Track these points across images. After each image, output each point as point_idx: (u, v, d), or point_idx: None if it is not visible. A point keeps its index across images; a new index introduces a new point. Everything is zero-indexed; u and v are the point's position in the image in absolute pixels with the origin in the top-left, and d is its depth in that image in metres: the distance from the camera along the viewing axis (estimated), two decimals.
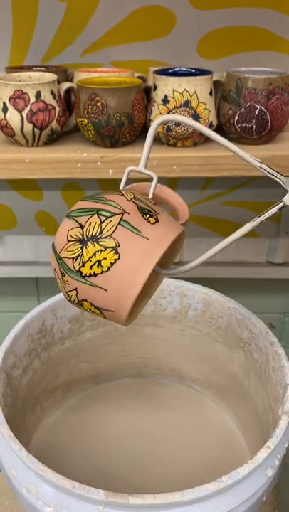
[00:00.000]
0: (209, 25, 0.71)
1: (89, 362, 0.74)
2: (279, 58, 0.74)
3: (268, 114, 0.61)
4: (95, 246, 0.40)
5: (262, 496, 0.46)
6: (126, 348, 0.74)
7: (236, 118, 0.63)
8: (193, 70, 0.65)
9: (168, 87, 0.61)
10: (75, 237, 0.41)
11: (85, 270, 0.40)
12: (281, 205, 0.47)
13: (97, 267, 0.40)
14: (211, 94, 0.62)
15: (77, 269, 0.41)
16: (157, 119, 0.44)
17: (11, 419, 0.52)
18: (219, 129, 0.66)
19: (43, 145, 0.65)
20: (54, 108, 0.62)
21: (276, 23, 0.71)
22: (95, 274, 0.40)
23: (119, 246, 0.40)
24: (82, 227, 0.40)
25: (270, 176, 0.45)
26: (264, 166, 0.45)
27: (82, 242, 0.40)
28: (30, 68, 0.71)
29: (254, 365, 0.63)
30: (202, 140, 0.66)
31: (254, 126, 0.62)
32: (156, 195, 0.48)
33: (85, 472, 0.63)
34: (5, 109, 0.61)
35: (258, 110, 0.61)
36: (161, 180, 0.84)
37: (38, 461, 0.44)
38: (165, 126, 0.62)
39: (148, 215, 0.41)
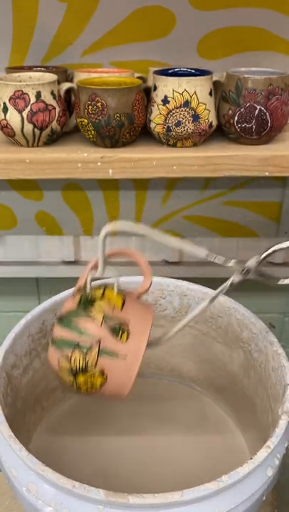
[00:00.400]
0: (209, 25, 0.71)
1: None
2: (279, 58, 0.74)
3: (267, 114, 0.61)
4: (85, 375, 0.49)
5: (262, 496, 0.46)
6: None
7: (236, 118, 0.63)
8: (193, 71, 0.65)
9: (168, 87, 0.61)
10: (66, 368, 0.49)
11: (82, 390, 0.50)
12: (231, 281, 0.55)
13: (91, 388, 0.50)
14: (210, 94, 0.62)
15: (74, 389, 0.50)
16: (105, 227, 0.50)
17: (11, 418, 0.53)
18: (219, 130, 0.67)
19: (43, 145, 0.65)
20: (54, 108, 0.62)
21: (276, 24, 0.71)
22: (90, 392, 0.50)
23: (104, 369, 0.48)
24: (69, 360, 0.48)
25: (215, 260, 0.53)
26: (211, 256, 0.52)
27: (73, 373, 0.49)
28: (30, 68, 0.71)
29: (254, 365, 0.63)
30: (202, 140, 0.66)
31: (254, 127, 0.62)
32: (126, 254, 0.56)
33: (85, 472, 0.63)
34: (5, 110, 0.61)
35: (257, 110, 0.61)
36: (162, 180, 0.84)
37: (38, 460, 0.44)
38: (165, 127, 0.62)
39: (120, 333, 0.49)
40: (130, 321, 0.50)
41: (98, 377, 0.49)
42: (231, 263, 0.49)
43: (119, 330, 0.49)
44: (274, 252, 0.53)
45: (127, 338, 0.49)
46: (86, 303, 0.50)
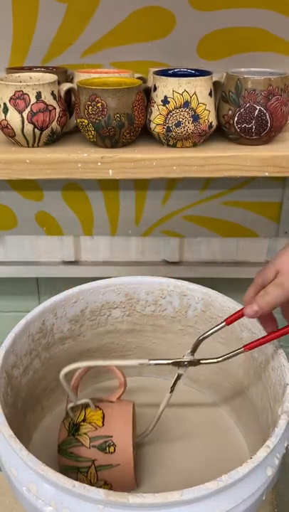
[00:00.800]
0: (209, 26, 0.72)
1: None
2: (279, 59, 0.74)
3: (267, 114, 0.61)
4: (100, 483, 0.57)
5: (261, 495, 0.46)
6: (126, 348, 0.75)
7: (236, 118, 0.63)
8: (193, 71, 0.65)
9: (168, 87, 0.61)
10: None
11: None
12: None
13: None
14: (210, 94, 0.62)
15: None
16: (64, 370, 0.57)
17: (11, 418, 0.53)
18: (219, 130, 0.67)
19: (43, 145, 0.65)
20: (54, 109, 0.62)
21: (276, 24, 0.71)
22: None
23: (106, 480, 0.56)
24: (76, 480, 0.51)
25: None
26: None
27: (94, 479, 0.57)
28: (30, 69, 0.72)
29: (254, 365, 0.63)
30: (202, 141, 0.66)
31: (254, 127, 0.63)
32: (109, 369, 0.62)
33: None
34: (5, 110, 0.61)
35: (257, 111, 0.61)
36: (162, 180, 0.84)
37: (38, 460, 0.44)
38: (165, 127, 0.62)
39: (107, 447, 0.56)
40: (113, 433, 0.57)
41: (104, 487, 0.56)
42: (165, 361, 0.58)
43: (105, 446, 0.56)
44: (202, 340, 0.58)
45: (114, 450, 0.56)
46: (73, 429, 0.58)
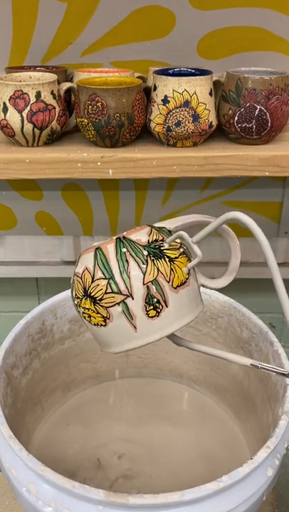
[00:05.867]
0: (209, 25, 0.71)
1: (89, 362, 0.74)
2: (279, 58, 0.74)
3: (267, 114, 0.61)
4: (91, 305, 0.44)
5: (262, 496, 0.46)
6: None
7: (236, 118, 0.63)
8: (193, 70, 0.65)
9: (168, 87, 0.61)
10: (84, 282, 0.45)
11: (77, 308, 0.46)
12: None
13: (88, 317, 0.45)
14: (210, 94, 0.62)
15: (73, 302, 0.47)
16: None
17: (11, 419, 0.53)
18: (219, 130, 0.67)
19: (43, 145, 0.65)
20: (54, 108, 0.62)
21: (276, 24, 0.71)
22: (81, 317, 0.46)
23: (108, 318, 0.44)
24: (91, 279, 0.44)
25: (270, 371, 0.46)
26: (262, 365, 0.45)
27: (86, 293, 0.45)
28: (30, 68, 0.71)
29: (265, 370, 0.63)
30: (202, 140, 0.66)
31: (254, 127, 0.62)
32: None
33: (85, 472, 0.63)
34: (5, 110, 0.61)
35: (257, 110, 0.61)
36: (162, 180, 0.84)
37: (38, 461, 0.44)
38: (165, 127, 0.62)
39: (151, 307, 0.43)
40: (169, 307, 0.44)
41: (99, 318, 0.44)
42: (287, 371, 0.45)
43: (153, 304, 0.43)
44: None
45: (152, 317, 0.43)
46: (155, 250, 0.44)
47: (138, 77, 0.67)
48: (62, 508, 0.43)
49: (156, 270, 0.43)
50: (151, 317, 0.43)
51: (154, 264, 0.43)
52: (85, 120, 0.62)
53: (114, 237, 0.45)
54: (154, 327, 0.44)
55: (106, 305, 0.43)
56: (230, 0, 0.70)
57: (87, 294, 0.44)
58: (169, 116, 0.61)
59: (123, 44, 0.73)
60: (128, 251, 0.43)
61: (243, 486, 0.44)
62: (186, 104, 0.61)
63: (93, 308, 0.44)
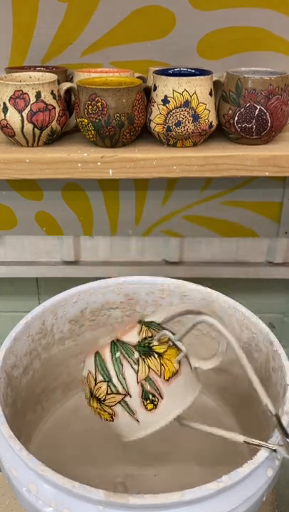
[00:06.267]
0: (209, 25, 0.71)
1: None
2: (279, 59, 0.74)
3: (267, 114, 0.61)
4: (98, 404, 0.50)
5: (262, 496, 0.46)
6: None
7: (236, 118, 0.63)
8: (193, 71, 0.65)
9: (168, 87, 0.61)
10: (89, 383, 0.50)
11: (89, 406, 0.51)
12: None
13: (98, 414, 0.50)
14: (210, 94, 0.62)
15: (87, 401, 0.52)
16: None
17: (11, 419, 0.53)
18: (219, 130, 0.67)
19: (43, 145, 0.65)
20: (54, 108, 0.62)
21: (276, 24, 0.71)
22: (98, 416, 0.51)
23: (114, 415, 0.49)
24: (94, 382, 0.49)
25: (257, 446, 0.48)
26: (253, 441, 0.48)
27: (92, 394, 0.50)
28: (30, 68, 0.71)
29: (254, 365, 0.63)
30: (202, 140, 0.66)
31: (254, 127, 0.62)
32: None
33: (85, 472, 0.63)
34: (5, 110, 0.61)
35: (257, 110, 0.61)
36: (162, 180, 0.84)
37: (38, 461, 0.44)
38: (165, 127, 0.62)
39: (148, 401, 0.48)
40: (165, 398, 0.48)
41: (107, 415, 0.50)
42: (275, 447, 0.47)
43: (149, 398, 0.48)
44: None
45: (150, 410, 0.48)
46: (145, 348, 0.49)
47: (138, 77, 0.67)
48: (63, 508, 0.43)
49: (147, 368, 0.48)
50: (150, 410, 0.48)
51: (145, 362, 0.48)
52: (85, 120, 0.62)
53: (110, 341, 0.50)
54: (155, 418, 0.49)
55: (109, 404, 0.49)
56: (230, 0, 0.70)
57: (93, 395, 0.50)
58: (169, 116, 0.61)
59: (123, 44, 0.73)
60: (122, 354, 0.49)
61: (243, 487, 0.44)
62: (186, 104, 0.61)
63: (100, 407, 0.49)
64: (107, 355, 0.49)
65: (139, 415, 0.48)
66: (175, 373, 0.49)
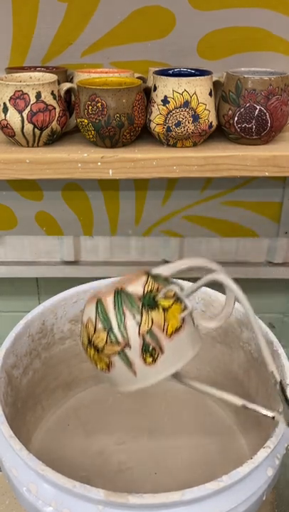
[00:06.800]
0: (209, 25, 0.71)
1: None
2: (279, 59, 0.74)
3: (267, 114, 0.61)
4: (94, 353, 0.48)
5: (262, 496, 0.46)
6: None
7: (236, 118, 0.63)
8: (193, 71, 0.65)
9: (168, 87, 0.61)
10: (88, 331, 0.49)
11: (86, 354, 0.50)
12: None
13: (94, 363, 0.50)
14: (210, 94, 0.62)
15: (83, 348, 0.51)
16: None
17: (11, 418, 0.53)
18: (219, 130, 0.67)
19: (43, 145, 0.65)
20: (54, 108, 0.62)
21: (276, 24, 0.71)
22: (91, 362, 0.50)
23: (111, 365, 0.48)
24: (94, 330, 0.48)
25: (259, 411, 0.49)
26: (250, 406, 0.48)
27: (89, 342, 0.49)
28: (30, 69, 0.72)
29: (254, 365, 0.63)
30: (202, 140, 0.66)
31: (254, 127, 0.62)
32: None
33: (86, 472, 0.63)
34: (5, 110, 0.61)
35: (257, 110, 0.61)
36: (162, 180, 0.84)
37: (38, 460, 0.44)
38: (165, 127, 0.62)
39: (148, 354, 0.47)
40: (165, 353, 0.47)
41: (103, 364, 0.48)
42: (274, 414, 0.47)
43: (149, 351, 0.47)
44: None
45: (149, 364, 0.47)
46: (150, 300, 0.47)
47: (138, 78, 0.67)
48: (63, 508, 0.43)
49: (150, 321, 0.47)
50: (149, 364, 0.47)
51: (149, 314, 0.47)
52: (85, 120, 0.62)
53: (114, 289, 0.49)
54: (152, 372, 0.48)
55: (107, 353, 0.47)
56: (230, 0, 0.70)
57: (91, 343, 0.49)
58: (168, 116, 0.62)
59: (123, 44, 0.73)
60: (125, 303, 0.47)
61: (243, 486, 0.44)
62: (186, 104, 0.61)
63: (97, 356, 0.48)
64: (109, 303, 0.48)
65: (137, 367, 0.47)
66: (178, 329, 0.48)
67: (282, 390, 0.47)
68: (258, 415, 0.62)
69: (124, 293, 0.48)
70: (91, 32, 0.72)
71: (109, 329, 0.47)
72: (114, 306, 0.47)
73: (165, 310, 0.47)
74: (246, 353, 0.64)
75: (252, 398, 0.65)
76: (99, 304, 0.48)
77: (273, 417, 0.46)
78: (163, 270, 0.51)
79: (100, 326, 0.47)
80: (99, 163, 0.63)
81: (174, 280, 0.50)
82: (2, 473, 0.50)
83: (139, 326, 0.46)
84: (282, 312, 0.99)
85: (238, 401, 0.48)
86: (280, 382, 0.47)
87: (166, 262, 0.92)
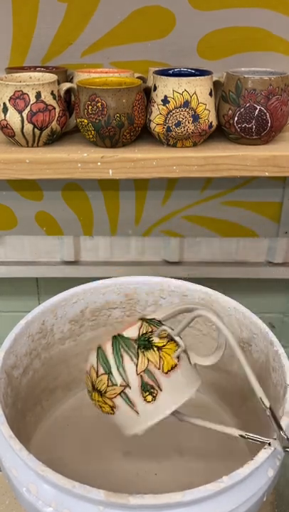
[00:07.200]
0: (209, 25, 0.71)
1: None
2: (279, 59, 0.74)
3: (267, 114, 0.61)
4: (99, 396, 0.51)
5: (262, 496, 0.46)
6: None
7: (236, 118, 0.63)
8: (193, 71, 0.65)
9: (168, 87, 0.61)
10: (91, 375, 0.51)
11: (91, 398, 0.53)
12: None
13: (98, 407, 0.52)
14: (210, 94, 0.62)
15: (89, 395, 0.53)
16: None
17: (11, 419, 0.53)
18: (219, 130, 0.67)
19: (43, 145, 0.65)
20: (54, 108, 0.62)
21: (276, 24, 0.71)
22: (100, 409, 0.52)
23: (115, 407, 0.50)
24: (96, 375, 0.51)
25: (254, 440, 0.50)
26: (248, 435, 0.50)
27: (93, 387, 0.51)
28: (30, 69, 0.71)
29: (254, 365, 0.63)
30: (202, 140, 0.66)
31: (254, 127, 0.62)
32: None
33: (86, 472, 0.63)
34: (5, 110, 0.61)
35: (257, 110, 0.61)
36: (162, 180, 0.84)
37: (38, 461, 0.44)
38: (165, 127, 0.62)
39: (147, 393, 0.49)
40: (164, 391, 0.49)
41: (108, 408, 0.51)
42: (270, 440, 0.48)
43: (148, 390, 0.49)
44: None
45: (149, 402, 0.49)
46: (145, 342, 0.50)
47: (138, 78, 0.67)
48: (63, 508, 0.43)
49: (146, 360, 0.49)
50: (149, 402, 0.49)
51: (144, 355, 0.50)
52: (85, 120, 0.62)
53: (112, 335, 0.52)
54: (154, 410, 0.49)
55: (110, 396, 0.50)
56: (230, 0, 0.70)
57: (94, 388, 0.51)
58: (169, 116, 0.61)
59: (123, 44, 0.73)
60: (122, 347, 0.50)
61: (243, 487, 0.44)
62: (186, 104, 0.61)
63: (101, 400, 0.51)
64: (108, 348, 0.51)
65: (138, 407, 0.49)
66: (174, 367, 0.50)
67: (273, 417, 0.48)
68: (258, 415, 0.62)
69: (121, 337, 0.51)
70: (91, 32, 0.72)
71: (109, 372, 0.50)
72: (113, 350, 0.50)
73: (159, 349, 0.50)
74: (246, 353, 0.64)
75: (252, 398, 0.64)
76: (99, 350, 0.51)
77: (269, 443, 0.47)
78: (156, 315, 0.53)
79: (101, 370, 0.50)
80: (99, 163, 0.63)
81: (167, 324, 0.52)
82: (2, 474, 0.50)
83: (136, 366, 0.49)
84: (282, 312, 0.99)
85: (236, 432, 0.51)
86: (270, 408, 0.48)
87: (166, 262, 0.92)
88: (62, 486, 0.42)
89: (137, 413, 0.50)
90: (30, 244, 0.91)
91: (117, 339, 0.51)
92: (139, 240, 0.91)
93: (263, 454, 0.45)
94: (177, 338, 0.51)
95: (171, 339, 0.51)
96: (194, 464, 0.64)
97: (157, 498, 0.41)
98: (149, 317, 0.53)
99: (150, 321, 0.52)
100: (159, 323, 0.52)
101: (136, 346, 0.50)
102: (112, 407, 0.50)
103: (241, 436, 0.49)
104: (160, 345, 0.50)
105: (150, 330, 0.51)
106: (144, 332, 0.51)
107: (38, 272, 0.92)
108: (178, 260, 0.92)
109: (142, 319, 0.52)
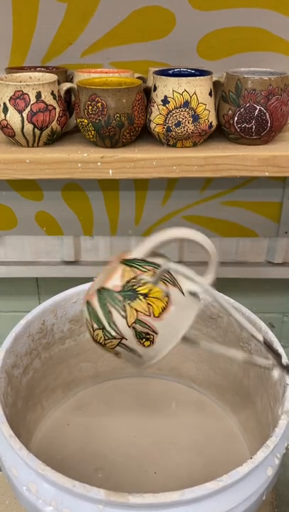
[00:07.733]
0: (209, 25, 0.72)
1: (89, 362, 0.74)
2: (279, 59, 0.74)
3: (267, 114, 0.61)
4: (101, 346, 0.51)
5: (262, 495, 0.46)
6: None
7: (236, 118, 0.63)
8: (193, 71, 0.65)
9: (168, 87, 0.61)
10: (90, 330, 0.52)
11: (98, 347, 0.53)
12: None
13: (107, 351, 0.52)
14: (210, 94, 0.62)
15: (93, 341, 0.53)
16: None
17: (11, 418, 0.53)
18: (219, 130, 0.67)
19: (43, 145, 0.65)
20: (54, 108, 0.62)
21: (276, 24, 0.71)
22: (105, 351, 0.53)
23: (118, 354, 0.51)
24: (92, 330, 0.51)
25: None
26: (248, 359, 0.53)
27: (93, 339, 0.52)
28: (30, 69, 0.72)
29: (254, 365, 0.63)
30: (202, 140, 0.66)
31: (254, 127, 0.63)
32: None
33: (86, 471, 0.63)
34: (5, 110, 0.61)
35: (257, 111, 0.61)
36: (162, 180, 0.84)
37: (38, 460, 0.44)
38: (165, 127, 0.62)
39: (144, 339, 0.49)
40: (159, 333, 0.49)
41: (113, 353, 0.51)
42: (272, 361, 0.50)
43: (144, 337, 0.49)
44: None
45: (149, 346, 0.50)
46: (129, 293, 0.49)
47: (138, 78, 0.67)
48: (63, 508, 0.43)
49: (134, 311, 0.49)
50: (148, 346, 0.50)
51: (131, 307, 0.49)
52: (85, 120, 0.62)
53: (96, 289, 0.51)
54: (155, 351, 0.50)
55: (110, 347, 0.51)
56: (230, 0, 0.70)
57: (94, 340, 0.52)
58: (168, 116, 0.62)
59: (123, 44, 0.73)
60: (108, 301, 0.50)
61: (242, 486, 0.44)
62: (186, 104, 0.61)
63: (105, 348, 0.52)
64: (96, 304, 0.50)
65: (139, 351, 0.50)
66: (165, 307, 0.50)
67: (269, 346, 0.51)
68: (257, 415, 0.62)
69: (105, 291, 0.50)
70: (91, 32, 0.72)
71: (103, 328, 0.50)
72: (100, 306, 0.50)
73: (146, 296, 0.49)
74: (246, 353, 0.64)
75: (252, 398, 0.65)
76: (88, 305, 0.51)
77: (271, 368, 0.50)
78: (136, 254, 0.52)
79: (95, 325, 0.50)
80: (99, 163, 0.63)
81: (149, 260, 0.52)
82: (2, 473, 0.50)
83: (126, 320, 0.49)
84: (282, 312, 0.99)
85: (239, 356, 0.53)
86: (264, 341, 0.50)
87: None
88: (63, 485, 0.42)
89: (140, 356, 0.50)
90: (31, 244, 0.91)
91: (102, 294, 0.50)
92: (139, 240, 0.91)
93: (262, 453, 0.45)
94: (166, 264, 0.51)
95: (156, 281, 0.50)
96: (194, 462, 0.64)
97: (157, 496, 0.41)
98: (129, 257, 0.52)
99: (132, 263, 0.51)
100: (142, 261, 0.52)
101: (121, 299, 0.49)
102: (116, 354, 0.51)
103: (245, 360, 0.51)
104: (146, 291, 0.49)
105: (133, 276, 0.50)
106: (127, 280, 0.50)
107: (38, 272, 0.92)
108: (178, 260, 0.92)
109: (123, 262, 0.51)
